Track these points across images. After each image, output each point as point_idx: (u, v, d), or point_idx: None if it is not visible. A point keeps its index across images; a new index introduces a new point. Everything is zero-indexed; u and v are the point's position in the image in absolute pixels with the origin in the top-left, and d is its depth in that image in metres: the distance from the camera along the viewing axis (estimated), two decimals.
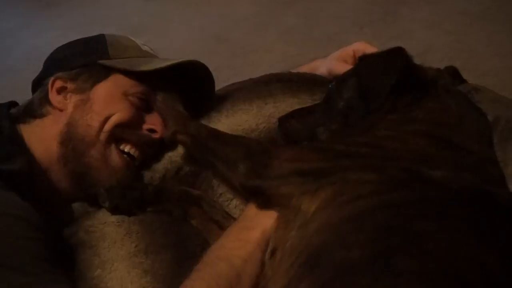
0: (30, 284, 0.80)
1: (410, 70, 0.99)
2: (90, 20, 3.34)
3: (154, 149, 1.18)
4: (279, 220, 0.92)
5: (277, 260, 0.87)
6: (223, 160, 1.01)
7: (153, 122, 1.16)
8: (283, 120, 1.12)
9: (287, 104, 1.22)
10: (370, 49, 1.28)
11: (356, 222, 0.77)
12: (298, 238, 0.83)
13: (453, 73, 1.17)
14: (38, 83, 1.20)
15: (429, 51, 2.34)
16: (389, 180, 0.83)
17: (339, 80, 1.10)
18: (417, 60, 1.18)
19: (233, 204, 1.11)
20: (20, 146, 1.06)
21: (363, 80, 1.02)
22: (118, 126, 1.12)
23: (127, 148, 1.14)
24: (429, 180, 0.82)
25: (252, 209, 0.98)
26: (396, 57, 0.98)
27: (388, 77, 0.96)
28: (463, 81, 1.20)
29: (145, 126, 1.16)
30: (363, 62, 1.06)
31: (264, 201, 0.95)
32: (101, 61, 1.17)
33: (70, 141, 1.10)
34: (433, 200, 0.79)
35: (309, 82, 1.30)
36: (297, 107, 1.20)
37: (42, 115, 1.14)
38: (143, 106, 1.17)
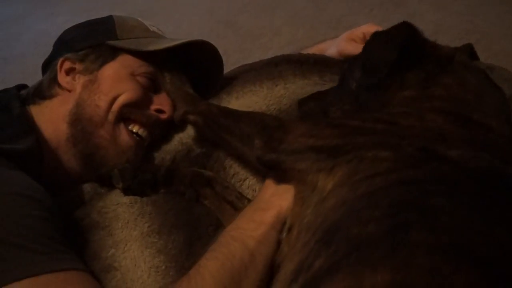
0: (41, 262, 0.80)
1: (418, 45, 0.98)
2: (97, 4, 3.34)
3: (162, 130, 1.19)
4: (296, 196, 0.92)
5: (294, 236, 0.87)
6: (238, 136, 1.00)
7: (161, 103, 1.17)
8: (303, 102, 1.11)
9: (297, 86, 1.21)
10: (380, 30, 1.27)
11: (372, 198, 0.77)
12: (314, 215, 0.83)
13: (470, 51, 1.16)
14: (48, 65, 1.21)
15: (439, 32, 2.32)
16: (405, 158, 0.82)
17: (352, 60, 1.09)
18: None
19: (246, 184, 1.11)
20: (29, 126, 1.07)
21: (365, 56, 1.02)
22: (126, 106, 1.12)
23: (135, 128, 1.15)
24: (445, 159, 0.81)
25: (267, 191, 0.98)
26: (398, 32, 0.97)
27: (388, 52, 0.95)
28: (476, 60, 1.19)
29: (153, 107, 1.16)
30: (369, 39, 1.05)
31: (281, 174, 0.95)
32: (109, 42, 1.17)
33: (79, 121, 1.11)
34: (449, 179, 0.78)
35: (319, 63, 1.29)
36: (307, 88, 1.20)
37: (51, 96, 1.15)
38: (151, 87, 1.17)
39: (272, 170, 0.97)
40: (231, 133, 1.01)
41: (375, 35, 1.04)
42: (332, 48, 1.37)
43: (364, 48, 1.05)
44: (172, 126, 1.19)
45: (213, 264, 0.88)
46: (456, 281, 0.61)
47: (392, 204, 0.74)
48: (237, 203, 1.08)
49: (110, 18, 1.24)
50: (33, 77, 1.27)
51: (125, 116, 1.13)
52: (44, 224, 0.86)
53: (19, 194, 0.86)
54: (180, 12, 3.10)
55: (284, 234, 0.91)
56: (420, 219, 0.70)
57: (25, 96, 1.16)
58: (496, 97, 0.99)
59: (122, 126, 1.13)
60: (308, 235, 0.80)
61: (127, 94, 1.12)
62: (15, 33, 3.11)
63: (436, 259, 0.64)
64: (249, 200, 1.06)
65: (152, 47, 1.16)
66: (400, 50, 0.94)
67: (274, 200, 0.95)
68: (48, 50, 1.26)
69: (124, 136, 1.13)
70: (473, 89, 0.97)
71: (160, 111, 1.16)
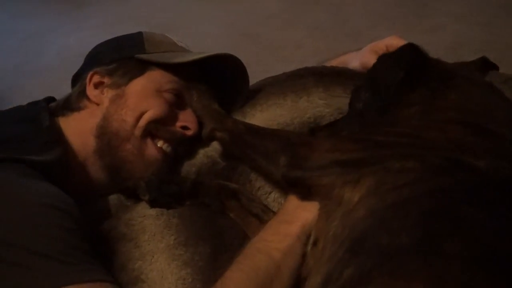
0: (68, 272, 0.81)
1: (423, 65, 1.00)
2: (120, 19, 3.39)
3: (187, 146, 1.19)
4: (320, 211, 0.91)
5: (320, 249, 0.87)
6: (263, 154, 1.00)
7: (186, 119, 1.17)
8: (314, 130, 1.12)
9: (320, 98, 1.21)
10: (402, 43, 1.27)
11: (402, 208, 0.76)
12: (341, 226, 0.83)
13: (482, 64, 1.16)
14: (77, 78, 1.23)
15: (462, 44, 2.31)
16: (433, 168, 0.82)
17: (359, 83, 1.10)
18: (450, 54, 1.18)
19: (272, 197, 1.11)
20: (57, 138, 1.09)
21: (372, 77, 1.04)
22: (152, 122, 1.13)
23: (159, 143, 1.15)
24: (473, 170, 0.81)
25: (291, 203, 0.98)
26: (403, 53, 0.99)
27: (395, 73, 0.97)
28: (496, 69, 1.19)
29: (179, 123, 1.17)
30: (376, 61, 1.07)
31: (305, 192, 0.95)
32: (137, 56, 1.19)
33: (106, 135, 1.12)
34: (479, 189, 0.78)
35: (342, 75, 1.29)
36: (329, 100, 1.19)
37: (79, 109, 1.17)
38: (177, 103, 1.18)
39: (297, 187, 0.97)
40: (257, 151, 1.02)
41: (382, 57, 1.06)
42: (355, 60, 1.37)
43: (371, 70, 1.06)
44: (197, 141, 1.19)
45: (238, 276, 0.89)
46: None
47: (423, 214, 0.74)
48: (263, 216, 1.08)
49: (139, 34, 1.25)
50: (57, 90, 1.29)
51: (151, 132, 1.14)
52: (71, 235, 0.87)
53: (47, 205, 0.87)
54: (201, 25, 3.13)
55: (309, 248, 0.91)
56: (452, 230, 0.70)
57: (54, 108, 1.18)
58: (504, 108, 0.99)
59: (149, 140, 1.14)
60: (335, 246, 0.80)
61: (153, 110, 1.13)
62: (39, 48, 3.17)
63: (470, 272, 0.64)
64: (275, 213, 1.06)
65: (179, 60, 1.17)
66: (406, 70, 0.96)
67: (299, 212, 0.95)
68: (72, 64, 1.28)
69: (150, 150, 1.14)
70: (479, 101, 0.98)
71: (185, 127, 1.17)
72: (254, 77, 1.33)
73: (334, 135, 1.05)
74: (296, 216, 0.95)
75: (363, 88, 1.07)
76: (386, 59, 1.04)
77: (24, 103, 1.23)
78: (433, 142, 0.88)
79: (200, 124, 1.18)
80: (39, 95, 1.28)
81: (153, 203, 1.08)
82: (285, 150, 0.96)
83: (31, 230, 0.83)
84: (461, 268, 0.64)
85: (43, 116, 1.11)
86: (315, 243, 0.90)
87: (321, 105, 1.19)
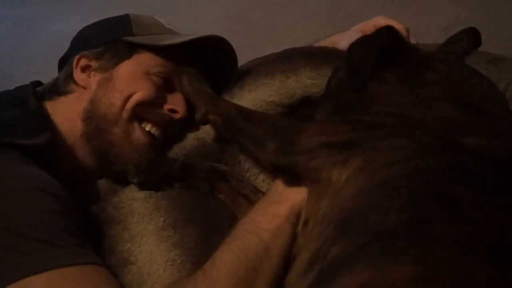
0: (59, 255, 0.81)
1: (399, 46, 1.01)
2: (111, 5, 3.35)
3: (175, 130, 1.19)
4: (310, 193, 0.92)
5: (310, 229, 0.87)
6: (252, 139, 1.00)
7: (174, 103, 1.17)
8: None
9: (308, 77, 1.21)
10: (391, 23, 1.26)
11: (391, 187, 0.76)
12: (330, 205, 0.83)
13: (467, 36, 1.16)
14: (64, 62, 1.22)
15: (454, 26, 2.29)
16: (422, 146, 0.81)
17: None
18: (442, 35, 1.17)
19: (261, 178, 1.11)
20: (45, 122, 1.08)
21: (349, 58, 1.04)
22: (140, 104, 1.13)
23: (148, 127, 1.15)
24: (463, 148, 0.80)
25: (280, 184, 0.98)
26: (379, 35, 1.00)
27: (370, 52, 0.97)
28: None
29: (167, 106, 1.17)
30: (354, 41, 1.07)
31: (294, 177, 0.95)
32: (124, 38, 1.18)
33: (93, 119, 1.12)
34: (468, 168, 0.77)
35: (330, 55, 1.28)
36: (318, 80, 1.19)
37: (66, 93, 1.16)
38: (165, 86, 1.17)
39: (285, 173, 0.97)
40: (246, 135, 1.02)
41: (360, 38, 1.06)
42: (343, 41, 1.36)
43: (347, 51, 1.06)
44: (186, 125, 1.19)
45: (228, 257, 0.89)
46: (478, 276, 0.60)
47: (412, 194, 0.73)
48: (252, 196, 1.08)
49: (126, 16, 1.24)
50: (47, 76, 1.28)
51: (138, 114, 1.14)
52: (62, 218, 0.86)
53: (37, 189, 0.87)
54: (193, 9, 3.10)
55: (300, 228, 0.91)
56: (441, 211, 0.69)
57: (41, 92, 1.17)
58: (485, 84, 0.99)
59: (136, 124, 1.14)
60: (324, 225, 0.80)
61: (141, 93, 1.13)
62: (29, 34, 3.13)
63: (458, 252, 0.63)
64: (264, 194, 1.06)
65: (167, 42, 1.16)
66: (379, 51, 0.96)
67: (288, 193, 0.95)
68: (62, 50, 1.27)
69: (138, 134, 1.14)
70: (459, 78, 0.98)
71: (173, 111, 1.17)
72: (245, 59, 1.33)
73: (322, 118, 1.05)
74: (285, 196, 0.95)
75: (340, 67, 1.09)
76: (362, 39, 1.04)
77: None
78: (422, 121, 0.87)
79: (189, 108, 1.17)
80: (29, 81, 1.27)
81: (142, 186, 1.07)
82: (273, 136, 0.96)
83: (22, 213, 0.83)
84: (450, 250, 0.64)
85: (30, 100, 1.11)
86: (305, 223, 0.90)
87: (309, 85, 1.18)
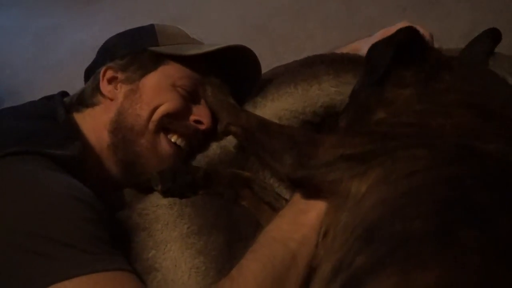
0: (91, 261, 0.82)
1: (418, 46, 1.01)
2: (131, 13, 3.39)
3: (200, 140, 1.20)
4: (329, 205, 0.91)
5: (330, 240, 0.87)
6: (270, 152, 1.01)
7: (200, 114, 1.18)
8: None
9: (332, 85, 1.21)
10: None
11: (414, 195, 0.76)
12: (351, 217, 0.82)
13: (488, 36, 1.15)
14: (90, 72, 1.24)
15: (476, 31, 2.27)
16: (443, 155, 0.81)
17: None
18: (464, 41, 1.17)
19: (284, 185, 1.10)
20: (74, 133, 1.10)
21: (368, 55, 1.05)
22: (166, 116, 1.14)
23: (173, 138, 1.16)
24: (483, 154, 0.80)
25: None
26: (398, 34, 1.00)
27: (387, 51, 0.98)
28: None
29: (192, 117, 1.17)
30: (374, 43, 1.07)
31: (312, 190, 0.95)
32: (150, 48, 1.19)
33: (120, 130, 1.13)
34: (491, 174, 0.77)
35: (352, 62, 1.28)
36: (341, 87, 1.19)
37: (93, 104, 1.17)
38: (191, 97, 1.18)
39: (303, 187, 0.97)
40: (265, 148, 1.02)
41: (379, 40, 1.06)
42: (365, 47, 1.35)
43: (367, 52, 1.06)
44: (210, 135, 1.20)
45: (255, 265, 0.89)
46: (506, 280, 0.60)
47: (437, 201, 0.73)
48: (275, 203, 1.09)
49: (151, 26, 1.25)
50: (70, 84, 1.30)
51: (165, 126, 1.15)
52: (94, 225, 0.88)
53: (71, 196, 0.89)
54: (212, 17, 3.12)
55: (320, 239, 0.91)
56: (467, 216, 0.69)
57: (68, 104, 1.19)
58: (504, 90, 0.98)
59: (162, 135, 1.15)
60: (346, 235, 0.80)
61: (167, 104, 1.14)
62: (52, 43, 3.18)
63: (486, 257, 0.63)
64: (287, 201, 1.06)
65: (192, 52, 1.17)
66: (396, 48, 0.96)
67: (313, 201, 0.95)
68: (84, 58, 1.28)
69: (164, 145, 1.14)
70: (477, 82, 0.98)
71: (198, 122, 1.18)
72: (266, 68, 1.33)
73: (340, 130, 1.05)
74: (311, 205, 0.95)
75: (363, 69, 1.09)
76: (382, 40, 1.05)
77: (37, 98, 1.24)
78: (441, 129, 0.87)
79: (214, 118, 1.18)
80: (52, 90, 1.29)
81: (166, 193, 1.08)
82: (290, 149, 0.96)
83: (56, 220, 0.85)
84: (477, 254, 0.63)
85: (59, 112, 1.12)
86: (325, 235, 0.90)
87: (332, 93, 1.18)
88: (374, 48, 1.04)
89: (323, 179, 0.91)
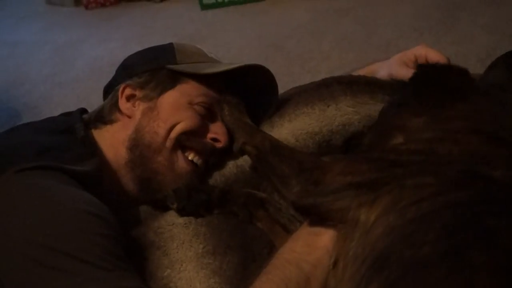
0: (107, 278, 0.82)
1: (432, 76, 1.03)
2: (148, 30, 3.43)
3: (217, 158, 1.20)
4: (337, 233, 0.91)
5: (340, 269, 0.86)
6: (279, 176, 1.00)
7: (216, 132, 1.18)
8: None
9: (348, 105, 1.21)
10: (431, 53, 1.26)
11: (422, 222, 0.76)
12: (361, 246, 0.82)
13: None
14: (109, 89, 1.25)
15: (492, 55, 2.27)
16: (449, 182, 0.81)
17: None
18: (481, 65, 1.16)
19: None
20: (92, 150, 1.11)
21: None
22: (184, 134, 1.14)
23: (190, 156, 1.16)
24: (490, 180, 0.80)
25: None
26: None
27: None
28: None
29: (209, 135, 1.18)
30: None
31: (318, 218, 0.94)
32: (168, 66, 1.20)
33: (138, 147, 1.14)
34: (499, 198, 0.77)
35: (370, 84, 1.28)
36: (358, 107, 1.19)
37: (112, 121, 1.18)
38: (208, 115, 1.19)
39: (309, 215, 0.97)
40: (274, 172, 1.02)
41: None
42: (383, 70, 1.36)
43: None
44: (227, 153, 1.20)
45: (268, 287, 0.88)
46: None
47: (446, 226, 0.74)
48: (289, 225, 1.08)
49: (170, 44, 1.27)
50: (86, 100, 1.32)
51: (182, 143, 1.15)
52: (111, 242, 0.88)
53: (88, 212, 0.89)
54: (229, 36, 3.15)
55: (330, 268, 0.90)
56: (476, 240, 0.70)
57: (87, 120, 1.20)
58: None
59: (179, 152, 1.15)
60: (356, 265, 0.80)
61: (185, 122, 1.14)
62: (70, 59, 3.22)
63: (497, 279, 0.64)
64: (301, 223, 1.05)
65: (211, 70, 1.18)
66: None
67: (326, 226, 0.94)
68: (101, 74, 1.30)
69: (181, 163, 1.15)
70: (488, 110, 0.97)
71: (216, 139, 1.18)
72: (282, 88, 1.34)
73: (347, 157, 1.05)
74: (325, 228, 0.94)
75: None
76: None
77: (55, 113, 1.25)
78: (447, 156, 0.87)
79: (231, 136, 1.18)
80: (70, 104, 1.30)
81: (181, 212, 1.08)
82: (298, 175, 0.95)
83: (73, 235, 0.85)
84: (488, 277, 0.64)
85: (78, 128, 1.14)
86: (335, 264, 0.89)
87: (350, 112, 1.19)
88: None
89: (330, 207, 0.90)
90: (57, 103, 2.56)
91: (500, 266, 0.66)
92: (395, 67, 1.32)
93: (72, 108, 1.28)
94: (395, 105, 1.03)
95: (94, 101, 1.28)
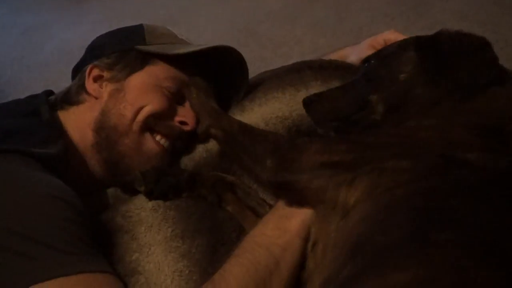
0: (72, 263, 0.82)
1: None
2: (120, 14, 3.37)
3: (185, 141, 1.19)
4: (317, 214, 0.91)
5: (319, 252, 0.87)
6: (251, 155, 1.00)
7: (184, 115, 1.17)
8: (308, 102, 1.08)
9: (319, 91, 1.21)
10: (401, 37, 1.26)
11: (394, 208, 0.78)
12: (340, 232, 0.83)
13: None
14: (77, 71, 1.23)
15: None
16: (425, 167, 0.82)
17: (382, 55, 1.08)
18: None
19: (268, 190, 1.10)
20: (58, 131, 1.09)
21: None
22: (151, 116, 1.13)
23: (157, 138, 1.15)
24: (464, 163, 0.81)
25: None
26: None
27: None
28: None
29: (177, 118, 1.17)
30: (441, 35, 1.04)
31: (295, 197, 0.94)
32: (137, 47, 1.18)
33: (104, 130, 1.13)
34: (468, 180, 0.79)
35: (340, 68, 1.29)
36: None
37: (78, 102, 1.17)
38: (176, 98, 1.18)
39: (284, 191, 0.97)
40: (245, 152, 1.02)
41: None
42: (353, 55, 1.36)
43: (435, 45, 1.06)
44: (194, 137, 1.19)
45: (238, 269, 0.89)
46: (478, 275, 0.62)
47: (413, 210, 0.75)
48: (259, 209, 1.08)
49: (140, 26, 1.26)
50: (55, 84, 1.29)
51: (149, 126, 1.14)
52: (75, 226, 0.87)
53: (53, 196, 0.88)
54: (202, 21, 3.12)
55: (309, 250, 0.91)
56: (440, 219, 0.72)
57: (53, 102, 1.18)
58: None
59: (147, 134, 1.14)
60: (336, 252, 0.81)
61: (152, 105, 1.13)
62: (38, 41, 3.15)
63: (458, 255, 0.65)
64: (271, 206, 1.05)
65: (179, 51, 1.17)
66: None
67: (298, 208, 0.95)
68: (70, 58, 1.28)
69: (149, 145, 1.14)
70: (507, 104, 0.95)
71: (183, 122, 1.17)
72: (253, 72, 1.33)
73: (323, 138, 1.04)
74: (296, 211, 0.95)
75: (401, 60, 1.05)
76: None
77: (23, 96, 1.23)
78: (425, 141, 0.88)
79: (199, 120, 1.18)
80: (38, 89, 1.27)
81: (149, 195, 1.08)
82: (273, 153, 0.96)
83: (37, 220, 0.84)
84: (449, 253, 0.66)
85: (43, 110, 1.12)
86: (314, 245, 0.90)
87: None
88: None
89: (307, 185, 0.91)
90: (25, 86, 2.50)
91: (461, 241, 0.67)
92: (365, 51, 1.33)
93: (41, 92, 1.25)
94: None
95: (63, 85, 1.26)
